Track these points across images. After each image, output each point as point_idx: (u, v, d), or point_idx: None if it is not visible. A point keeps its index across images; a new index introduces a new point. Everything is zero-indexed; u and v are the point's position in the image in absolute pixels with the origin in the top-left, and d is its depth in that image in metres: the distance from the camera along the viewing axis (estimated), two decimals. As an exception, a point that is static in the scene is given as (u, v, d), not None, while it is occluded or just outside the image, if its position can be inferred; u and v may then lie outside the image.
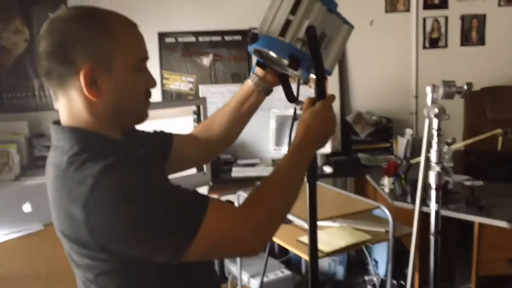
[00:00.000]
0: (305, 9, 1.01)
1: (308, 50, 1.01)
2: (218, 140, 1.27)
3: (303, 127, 1.05)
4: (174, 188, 0.91)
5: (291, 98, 1.16)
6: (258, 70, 1.19)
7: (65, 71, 0.92)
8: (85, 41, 0.92)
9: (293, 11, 1.01)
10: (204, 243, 0.88)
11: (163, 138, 1.22)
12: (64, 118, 0.97)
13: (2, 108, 3.68)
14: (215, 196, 2.81)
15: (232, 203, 2.79)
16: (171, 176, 1.13)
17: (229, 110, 1.23)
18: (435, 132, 1.42)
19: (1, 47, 3.63)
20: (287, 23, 1.01)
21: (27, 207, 2.34)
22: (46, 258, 2.28)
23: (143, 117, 1.02)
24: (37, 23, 3.63)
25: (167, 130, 1.25)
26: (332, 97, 1.11)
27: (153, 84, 1.01)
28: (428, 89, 1.42)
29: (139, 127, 1.09)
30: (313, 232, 1.16)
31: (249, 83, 1.21)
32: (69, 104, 0.96)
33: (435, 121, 1.41)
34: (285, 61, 1.03)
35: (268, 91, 1.22)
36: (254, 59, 1.18)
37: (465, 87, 1.39)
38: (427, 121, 1.43)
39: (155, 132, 1.23)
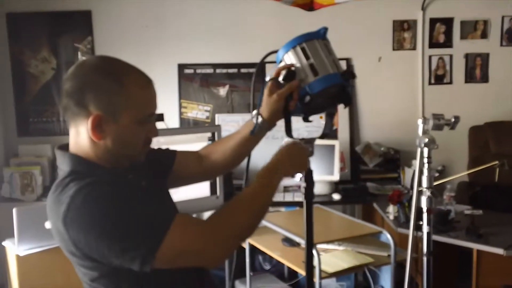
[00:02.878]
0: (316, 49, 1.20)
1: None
2: (220, 165, 1.37)
3: (275, 155, 1.19)
4: (143, 204, 1.01)
5: (290, 133, 1.26)
6: (264, 111, 1.24)
7: (78, 111, 1.04)
8: (100, 92, 1.03)
9: (330, 52, 1.21)
10: (168, 252, 0.97)
11: (166, 154, 1.33)
12: (71, 145, 1.10)
13: (28, 132, 3.86)
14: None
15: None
16: (175, 190, 1.28)
17: (235, 143, 1.33)
18: (425, 160, 1.56)
19: (29, 74, 3.84)
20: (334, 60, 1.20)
21: (49, 224, 2.49)
22: (63, 273, 2.40)
23: (137, 161, 1.12)
24: (64, 53, 3.84)
25: (172, 148, 1.36)
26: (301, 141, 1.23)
27: (155, 134, 1.12)
28: (420, 121, 1.58)
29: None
30: (309, 248, 1.26)
31: (253, 123, 1.27)
32: (76, 136, 1.08)
33: (425, 150, 1.55)
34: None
35: (270, 128, 1.29)
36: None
37: (453, 119, 1.54)
38: (418, 150, 1.57)
39: (160, 149, 1.34)
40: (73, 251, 1.01)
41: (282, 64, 1.23)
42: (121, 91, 1.04)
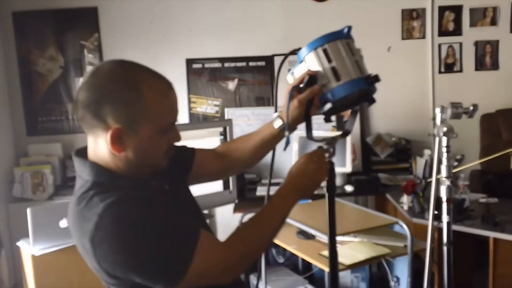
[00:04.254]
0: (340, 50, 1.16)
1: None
2: (237, 164, 1.36)
3: (288, 176, 1.16)
4: (170, 224, 0.99)
5: (311, 136, 1.23)
6: (290, 113, 1.20)
7: (96, 124, 1.00)
8: (118, 104, 0.98)
9: (354, 53, 1.16)
10: (193, 276, 0.99)
11: (186, 153, 1.29)
12: (90, 153, 1.06)
13: (37, 131, 3.87)
14: (240, 214, 2.95)
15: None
16: (193, 187, 1.26)
17: (254, 144, 1.31)
18: (444, 149, 1.55)
19: (37, 73, 3.84)
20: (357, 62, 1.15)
21: (63, 223, 2.45)
22: (78, 272, 2.40)
23: (160, 169, 1.09)
24: (71, 51, 3.84)
25: (189, 145, 1.32)
26: (317, 151, 1.18)
27: (178, 139, 1.08)
28: (437, 110, 1.56)
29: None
30: (332, 240, 1.24)
31: (274, 127, 1.26)
32: (95, 146, 1.04)
33: (444, 139, 1.54)
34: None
35: (291, 132, 1.25)
36: (282, 84, 1.24)
37: (471, 108, 1.53)
38: (437, 139, 1.55)
39: (179, 147, 1.26)
40: (98, 268, 1.00)
41: (303, 64, 1.19)
42: (140, 102, 0.99)
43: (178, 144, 1.12)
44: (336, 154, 1.22)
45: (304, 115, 1.19)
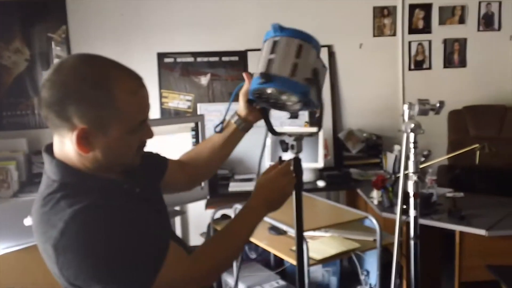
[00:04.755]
0: (307, 53, 1.15)
1: (313, 88, 1.15)
2: (202, 172, 1.35)
3: (256, 189, 1.15)
4: (137, 235, 0.95)
5: (273, 131, 1.26)
6: (241, 111, 1.27)
7: (60, 123, 0.94)
8: (84, 104, 0.92)
9: (298, 55, 1.14)
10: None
11: (159, 161, 1.26)
12: (56, 151, 1.00)
13: (2, 126, 3.75)
14: (212, 210, 2.93)
15: (229, 217, 2.90)
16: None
17: (212, 146, 1.30)
18: (412, 145, 1.57)
19: (2, 66, 3.72)
20: (295, 65, 1.13)
21: (28, 221, 2.43)
22: (43, 271, 2.34)
23: (132, 167, 1.04)
24: (38, 43, 3.73)
25: (162, 154, 1.30)
26: (287, 164, 1.18)
27: (150, 136, 1.03)
28: (405, 107, 1.59)
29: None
30: (300, 237, 1.25)
31: (231, 123, 1.28)
32: (62, 145, 0.98)
33: (411, 135, 1.56)
34: (292, 99, 1.16)
35: (248, 129, 1.30)
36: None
37: (438, 104, 1.56)
38: (404, 135, 1.58)
39: (152, 153, 1.26)
40: (59, 275, 0.95)
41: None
42: (108, 101, 0.93)
43: (150, 139, 1.07)
44: (302, 150, 1.23)
45: (260, 110, 1.24)
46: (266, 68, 1.13)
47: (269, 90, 1.16)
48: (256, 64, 1.19)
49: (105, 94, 0.93)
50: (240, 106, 1.27)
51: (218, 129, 1.29)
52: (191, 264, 1.03)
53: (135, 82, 0.99)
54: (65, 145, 0.98)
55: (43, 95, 0.94)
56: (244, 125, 1.29)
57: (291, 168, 1.19)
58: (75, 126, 0.93)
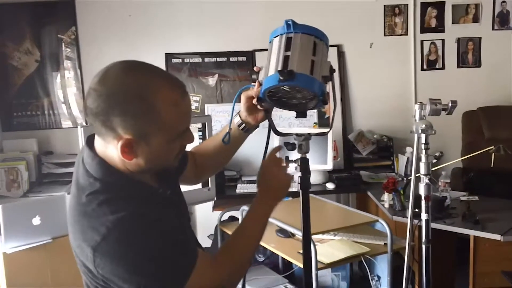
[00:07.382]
0: (321, 50, 1.12)
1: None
2: (209, 163, 1.38)
3: (260, 184, 1.21)
4: (173, 245, 1.00)
5: (277, 131, 1.26)
6: (241, 113, 1.27)
7: (106, 132, 0.98)
8: (128, 116, 0.94)
9: (314, 53, 1.11)
10: None
11: (183, 155, 1.25)
12: (98, 149, 1.04)
13: (12, 127, 3.78)
14: (219, 212, 2.89)
15: (236, 219, 2.87)
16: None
17: (220, 142, 1.31)
18: (423, 146, 1.51)
19: (12, 67, 3.74)
20: (312, 63, 1.10)
21: (36, 220, 2.44)
22: (52, 270, 2.38)
23: (170, 168, 1.10)
24: (47, 44, 3.75)
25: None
26: (271, 154, 1.22)
27: (191, 141, 1.06)
28: (416, 107, 1.53)
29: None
30: (307, 238, 1.26)
31: (234, 124, 1.29)
32: (105, 148, 1.02)
33: (422, 136, 1.50)
34: (308, 97, 1.13)
35: (249, 130, 1.31)
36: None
37: (450, 104, 1.49)
38: (416, 136, 1.52)
39: None
40: (91, 268, 0.99)
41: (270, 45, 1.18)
42: (152, 113, 0.95)
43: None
44: (309, 150, 1.22)
45: (264, 112, 1.23)
46: (283, 65, 1.09)
47: (286, 88, 1.13)
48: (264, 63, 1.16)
49: (148, 106, 0.95)
50: (241, 109, 1.28)
51: (225, 139, 1.29)
52: (215, 269, 1.07)
53: (178, 91, 0.99)
54: (108, 148, 1.01)
55: (88, 105, 0.97)
56: (245, 127, 1.30)
57: (277, 155, 1.21)
58: (120, 136, 0.96)
